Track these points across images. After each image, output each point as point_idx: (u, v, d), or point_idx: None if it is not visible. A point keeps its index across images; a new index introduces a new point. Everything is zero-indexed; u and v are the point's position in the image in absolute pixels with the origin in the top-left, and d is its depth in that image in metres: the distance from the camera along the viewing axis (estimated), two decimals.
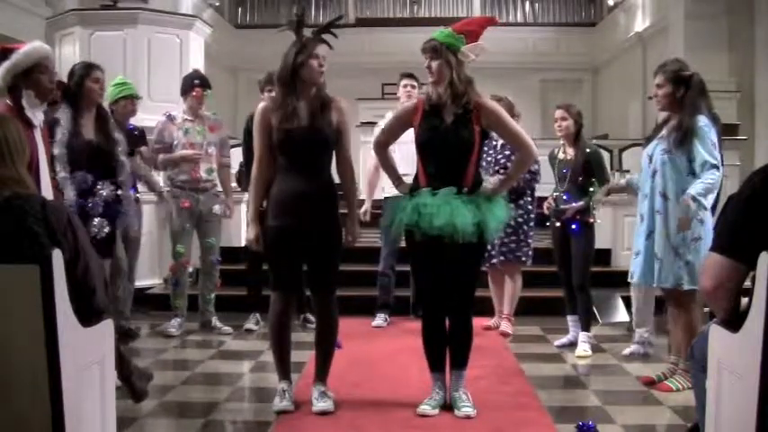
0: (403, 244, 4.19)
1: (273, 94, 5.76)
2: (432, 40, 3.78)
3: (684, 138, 4.12)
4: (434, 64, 3.75)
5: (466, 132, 3.73)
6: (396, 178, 4.02)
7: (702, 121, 4.13)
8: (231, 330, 5.80)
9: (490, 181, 4.05)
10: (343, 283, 6.38)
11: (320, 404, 3.77)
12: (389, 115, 6.05)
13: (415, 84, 6.06)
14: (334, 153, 3.89)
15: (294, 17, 3.81)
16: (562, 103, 5.39)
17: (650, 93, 4.81)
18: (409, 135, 3.98)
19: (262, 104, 3.90)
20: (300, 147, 3.74)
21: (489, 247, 5.51)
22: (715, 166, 4.08)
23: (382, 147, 4.04)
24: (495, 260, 5.69)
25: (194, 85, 5.73)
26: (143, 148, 5.71)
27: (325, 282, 3.87)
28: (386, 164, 4.09)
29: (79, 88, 4.53)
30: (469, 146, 3.74)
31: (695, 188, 4.07)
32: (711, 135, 4.12)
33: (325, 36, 3.82)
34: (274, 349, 3.95)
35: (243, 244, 7.16)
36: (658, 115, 5.21)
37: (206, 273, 5.89)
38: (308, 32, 3.82)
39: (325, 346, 3.92)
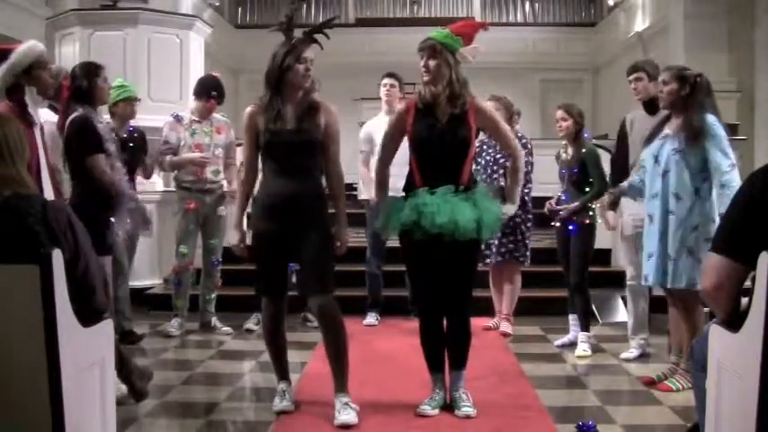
0: (392, 244, 4.14)
1: None
2: (430, 39, 3.75)
3: (696, 137, 4.10)
4: (433, 63, 3.72)
5: (462, 132, 3.73)
6: (380, 192, 3.97)
7: (711, 118, 4.11)
8: (231, 331, 5.80)
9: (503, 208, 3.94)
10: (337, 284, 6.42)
11: (342, 416, 3.60)
12: (377, 120, 6.06)
13: (396, 83, 6.10)
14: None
15: (285, 18, 3.75)
16: (563, 104, 5.38)
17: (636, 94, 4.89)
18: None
19: (249, 107, 3.84)
20: (286, 149, 3.70)
21: (483, 247, 5.50)
22: (733, 165, 4.04)
23: (386, 165, 3.95)
24: (492, 260, 5.68)
25: (211, 96, 5.73)
26: (147, 160, 5.66)
27: (320, 285, 3.72)
28: (383, 182, 3.96)
29: (93, 89, 4.54)
30: (466, 145, 3.74)
31: (723, 206, 3.99)
32: (722, 132, 4.10)
33: (318, 37, 3.76)
34: (270, 351, 3.94)
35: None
36: (627, 116, 5.21)
37: (207, 273, 5.90)
38: (297, 33, 3.78)
39: (335, 353, 3.75)
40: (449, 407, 3.83)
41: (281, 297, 3.85)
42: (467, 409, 3.75)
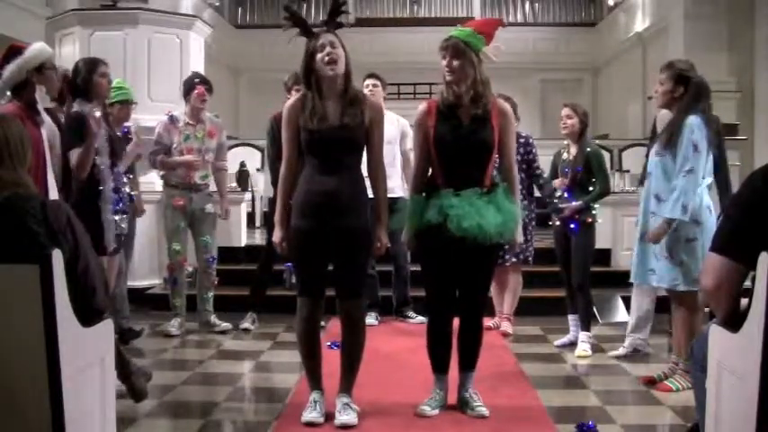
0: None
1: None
2: (453, 38, 3.66)
3: (670, 138, 4.10)
4: (456, 63, 3.63)
5: (486, 133, 3.68)
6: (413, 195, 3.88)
7: (690, 120, 4.06)
8: (230, 326, 5.81)
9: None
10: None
11: (343, 417, 3.58)
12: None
13: (378, 83, 6.06)
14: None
15: (286, 17, 3.64)
16: (569, 102, 5.38)
17: (651, 92, 4.83)
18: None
19: (289, 102, 3.71)
20: (327, 146, 3.55)
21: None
22: (689, 171, 4.02)
23: (425, 171, 3.81)
24: (507, 261, 5.62)
25: (195, 83, 5.74)
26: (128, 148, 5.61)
27: (352, 287, 3.67)
28: (419, 186, 3.84)
29: (88, 84, 4.54)
30: (490, 146, 3.69)
31: (665, 209, 4.06)
32: (693, 135, 4.03)
33: (338, 20, 3.62)
34: (303, 358, 3.76)
35: (243, 244, 7.16)
36: (657, 114, 5.21)
37: (202, 271, 5.89)
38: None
39: (352, 356, 3.71)
40: (449, 407, 3.82)
41: (320, 298, 3.69)
42: (480, 409, 3.74)
